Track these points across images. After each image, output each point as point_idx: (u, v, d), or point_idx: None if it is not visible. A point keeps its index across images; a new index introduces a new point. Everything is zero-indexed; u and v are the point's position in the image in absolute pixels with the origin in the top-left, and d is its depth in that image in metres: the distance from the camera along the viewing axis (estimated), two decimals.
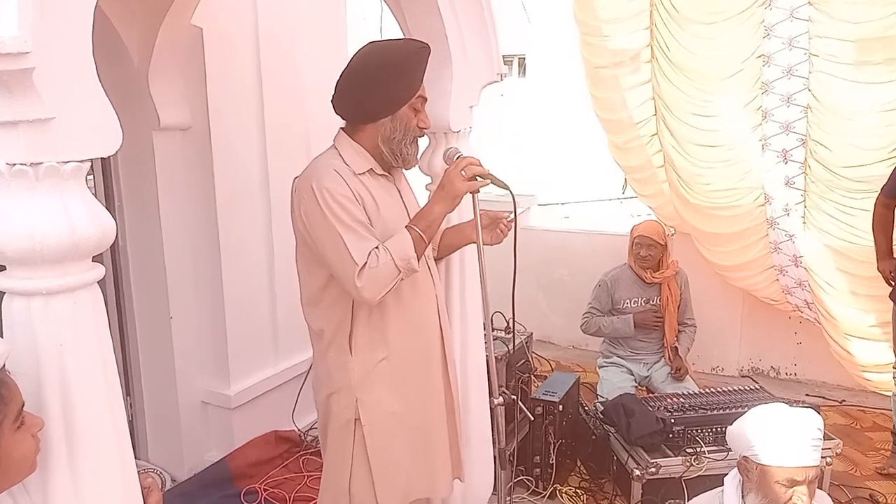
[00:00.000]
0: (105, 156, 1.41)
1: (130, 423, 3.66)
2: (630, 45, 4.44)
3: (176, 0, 3.06)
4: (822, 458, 3.25)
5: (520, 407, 2.70)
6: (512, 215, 2.26)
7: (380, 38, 2.15)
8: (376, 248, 1.94)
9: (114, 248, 3.48)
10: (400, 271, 1.96)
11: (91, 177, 3.55)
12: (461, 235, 2.39)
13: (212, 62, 3.33)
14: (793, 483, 1.93)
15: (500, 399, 2.22)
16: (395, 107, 2.06)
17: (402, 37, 2.47)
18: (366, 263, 1.91)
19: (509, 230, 2.33)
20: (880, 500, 3.39)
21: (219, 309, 3.56)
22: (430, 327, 2.21)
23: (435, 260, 2.37)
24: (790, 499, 1.93)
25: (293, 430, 3.85)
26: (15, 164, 1.30)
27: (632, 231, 4.27)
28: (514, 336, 2.75)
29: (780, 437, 1.97)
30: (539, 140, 14.78)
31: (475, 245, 2.20)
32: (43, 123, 1.29)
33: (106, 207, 3.34)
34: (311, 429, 3.83)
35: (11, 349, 1.31)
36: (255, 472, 3.57)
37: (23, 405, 1.30)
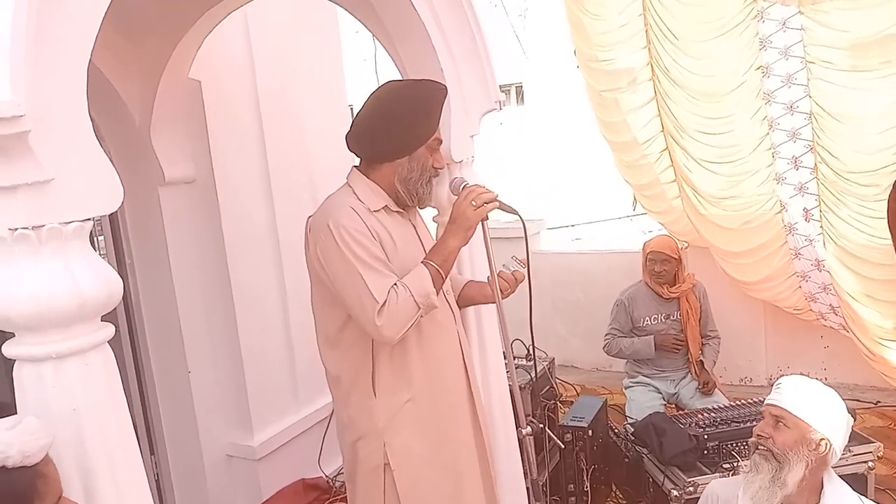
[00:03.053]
0: (107, 213, 1.40)
1: (157, 481, 3.63)
2: (630, 66, 4.44)
3: (173, 55, 3.09)
4: (864, 462, 3.21)
5: (548, 435, 2.63)
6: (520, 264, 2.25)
7: (394, 79, 2.14)
8: (395, 284, 1.91)
9: (127, 305, 3.49)
10: (420, 307, 1.92)
11: (101, 237, 3.58)
12: (482, 294, 2.35)
13: (212, 114, 3.35)
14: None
15: (528, 429, 2.17)
16: (413, 147, 2.05)
17: (419, 78, 2.46)
18: (386, 301, 1.88)
19: (515, 286, 2.27)
20: None
21: (236, 359, 3.53)
22: (453, 364, 2.17)
23: None
24: None
25: (321, 477, 3.79)
26: (17, 229, 1.29)
27: (644, 247, 4.22)
28: (535, 363, 2.70)
29: None
30: (543, 165, 14.83)
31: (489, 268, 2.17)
32: (42, 185, 1.28)
33: (117, 266, 3.42)
34: (338, 474, 3.77)
35: (54, 439, 1.28)
36: None
37: (60, 496, 1.28)
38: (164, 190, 3.30)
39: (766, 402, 2.12)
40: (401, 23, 2.45)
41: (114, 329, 1.45)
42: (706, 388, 4.05)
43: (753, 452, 2.09)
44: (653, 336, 4.09)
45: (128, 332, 3.50)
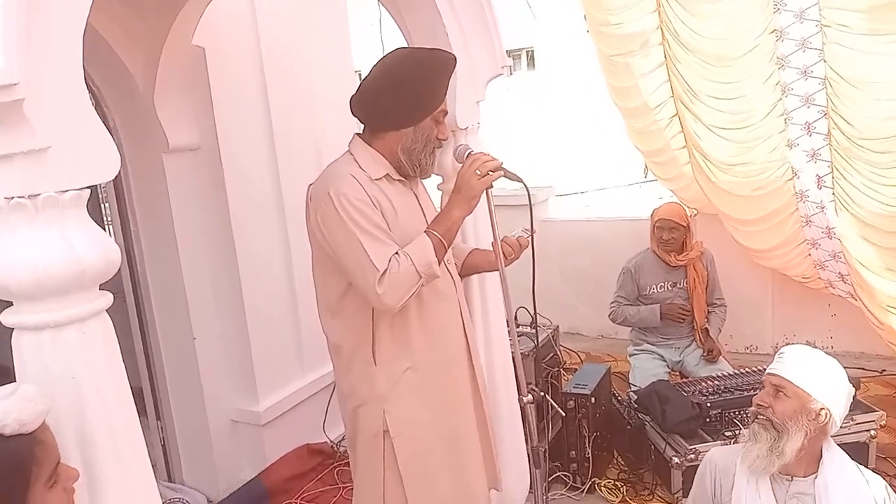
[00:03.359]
0: (104, 181, 1.39)
1: (163, 446, 3.68)
2: (640, 30, 4.36)
3: (175, 21, 3.05)
4: (866, 430, 3.22)
5: (549, 403, 2.64)
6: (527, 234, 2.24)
7: (404, 47, 2.11)
8: (396, 253, 1.90)
9: (133, 273, 3.50)
10: (421, 276, 1.91)
11: (107, 204, 3.58)
12: (487, 261, 2.34)
13: (216, 81, 3.32)
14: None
15: (530, 397, 2.18)
16: (419, 118, 2.02)
17: (428, 47, 2.42)
18: (387, 269, 1.87)
19: (520, 252, 2.28)
20: None
21: (241, 326, 3.55)
22: (454, 333, 2.16)
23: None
24: None
25: (325, 442, 3.83)
26: (13, 198, 1.29)
27: (652, 215, 4.20)
28: (536, 331, 2.70)
29: None
30: (553, 131, 14.72)
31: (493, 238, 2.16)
32: (38, 154, 1.27)
33: (122, 233, 3.43)
34: (342, 439, 3.81)
35: (51, 405, 1.29)
36: (290, 487, 3.55)
37: (58, 462, 1.28)
38: (168, 157, 3.28)
39: (767, 371, 2.12)
40: None
41: (112, 297, 1.45)
42: (710, 355, 4.06)
43: (753, 421, 2.10)
44: (659, 305, 4.08)
45: (133, 299, 3.52)
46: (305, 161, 3.76)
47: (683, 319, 4.09)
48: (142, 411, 3.75)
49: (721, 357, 4.10)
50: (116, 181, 3.43)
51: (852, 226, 3.97)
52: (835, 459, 2.07)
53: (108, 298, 1.44)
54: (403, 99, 1.99)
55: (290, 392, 3.75)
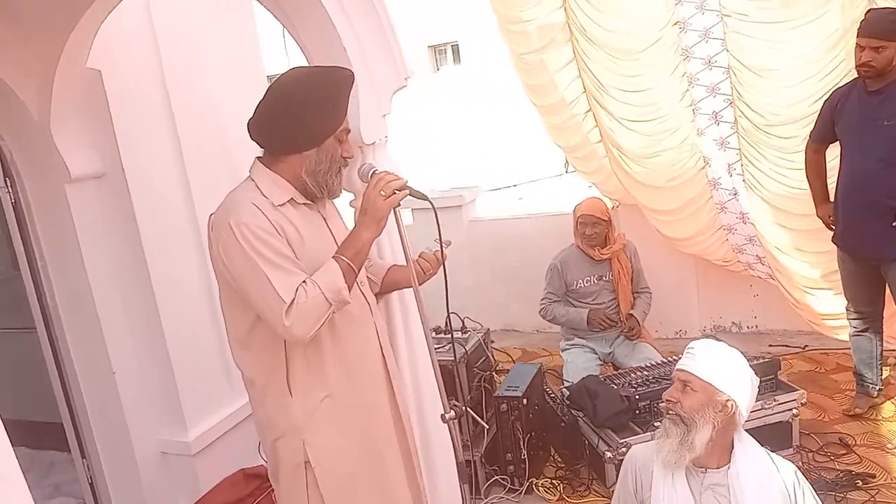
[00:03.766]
0: None
1: (91, 485, 3.56)
2: (548, 26, 4.39)
3: (66, 45, 2.92)
4: (789, 410, 3.32)
5: (475, 414, 2.63)
6: (439, 250, 2.21)
7: (297, 67, 2.04)
8: (304, 282, 1.85)
9: (43, 307, 3.36)
10: (331, 304, 1.87)
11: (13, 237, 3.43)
12: (406, 277, 2.27)
13: (116, 103, 3.18)
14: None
15: (452, 413, 2.16)
16: (321, 138, 1.96)
17: (324, 65, 2.36)
18: (293, 300, 1.81)
19: (438, 266, 2.25)
20: (850, 442, 3.41)
21: (163, 355, 3.43)
22: (370, 357, 2.13)
23: (376, 296, 2.28)
24: None
25: (261, 465, 3.73)
26: None
27: (574, 211, 4.24)
28: (453, 343, 2.68)
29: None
30: (480, 124, 14.75)
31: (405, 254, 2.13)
32: None
33: (28, 266, 3.28)
34: None
35: None
36: None
37: None
38: (71, 187, 3.16)
39: (676, 367, 2.17)
40: (300, 5, 2.36)
41: None
42: (630, 332, 4.13)
43: (665, 418, 2.14)
44: (587, 311, 4.14)
45: (46, 334, 3.39)
46: (218, 178, 3.63)
47: (608, 327, 4.15)
48: (65, 448, 3.66)
49: (649, 344, 4.18)
50: (19, 214, 3.29)
51: (764, 210, 4.09)
52: (746, 450, 2.12)
53: None
54: (302, 121, 1.93)
55: (221, 418, 3.65)
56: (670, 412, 2.12)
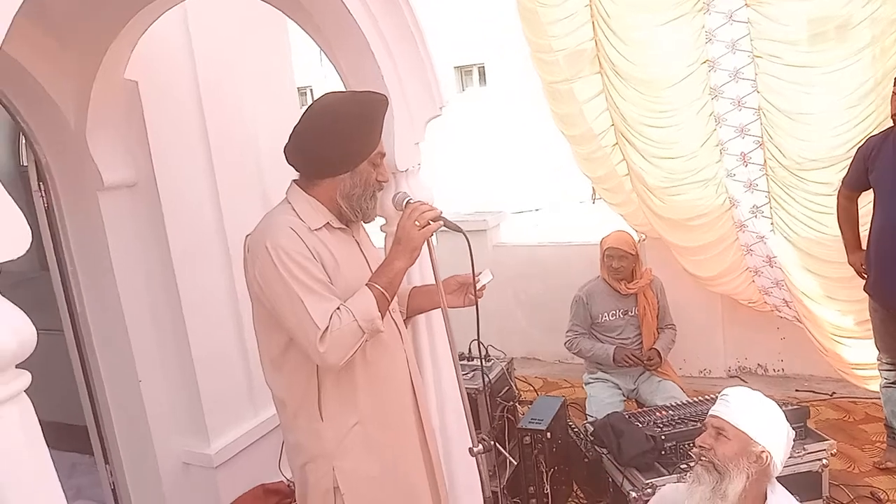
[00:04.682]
0: (12, 258, 1.28)
1: (113, 491, 3.54)
2: (579, 57, 4.37)
3: (106, 55, 2.93)
4: (818, 460, 3.23)
5: (502, 448, 2.59)
6: (480, 280, 2.18)
7: (332, 92, 2.04)
8: (338, 308, 1.83)
9: (72, 313, 3.37)
10: (364, 332, 1.85)
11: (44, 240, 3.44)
12: (430, 300, 2.28)
13: (151, 115, 3.20)
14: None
15: (480, 447, 2.12)
16: (355, 163, 1.96)
17: (360, 90, 2.35)
18: (328, 327, 1.80)
19: (481, 296, 2.21)
20: (882, 496, 3.32)
21: (188, 366, 3.42)
22: (400, 386, 2.11)
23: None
24: None
25: (281, 481, 3.71)
26: None
27: (601, 243, 4.19)
28: (482, 367, 2.63)
29: None
30: (505, 147, 14.76)
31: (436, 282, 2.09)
32: None
33: (59, 272, 3.28)
34: None
35: None
36: None
37: None
38: (103, 195, 3.16)
39: (709, 413, 2.12)
40: (338, 29, 2.35)
41: (30, 377, 1.35)
42: (650, 363, 4.05)
43: (696, 463, 2.08)
44: (614, 348, 4.07)
45: (74, 341, 3.39)
46: (249, 192, 3.66)
47: (634, 365, 4.08)
48: (87, 450, 3.64)
49: (674, 382, 4.10)
50: (51, 218, 3.30)
51: (793, 255, 4.02)
52: (779, 501, 2.06)
53: (24, 379, 1.34)
54: (337, 145, 1.93)
55: (243, 432, 3.63)
56: (703, 458, 2.07)
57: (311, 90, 17.94)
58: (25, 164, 3.44)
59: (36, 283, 3.99)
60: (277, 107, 3.91)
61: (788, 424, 2.09)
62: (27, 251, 1.29)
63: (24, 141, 3.26)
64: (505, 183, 12.32)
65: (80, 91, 3.00)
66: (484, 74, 19.38)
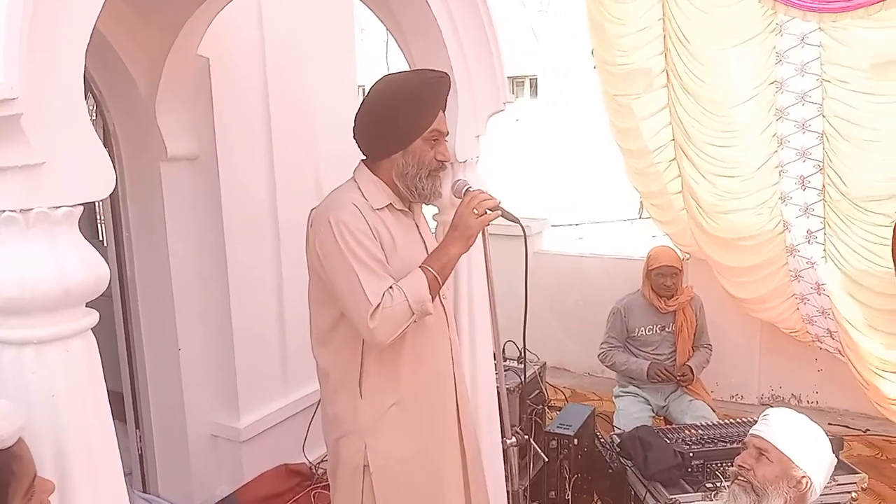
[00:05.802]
0: (97, 199, 1.36)
1: (141, 455, 3.64)
2: (646, 70, 4.38)
3: (182, 31, 3.04)
4: (848, 492, 3.19)
5: (533, 446, 2.61)
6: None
7: (395, 72, 2.08)
8: (391, 287, 1.87)
9: (122, 276, 3.48)
10: (413, 313, 1.89)
11: (101, 205, 3.55)
12: None
13: (219, 92, 3.31)
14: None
15: (514, 439, 2.15)
16: (406, 141, 1.97)
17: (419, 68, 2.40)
18: (380, 304, 1.84)
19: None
20: None
21: (227, 339, 3.51)
22: (443, 372, 2.13)
23: None
24: None
25: (304, 464, 3.78)
26: (4, 212, 1.26)
27: (648, 259, 4.15)
28: (525, 367, 2.67)
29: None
30: (553, 159, 14.74)
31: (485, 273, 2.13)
32: (33, 169, 1.26)
33: (114, 236, 3.39)
34: (321, 461, 3.76)
35: (27, 420, 1.26)
36: None
37: (35, 476, 1.25)
38: (165, 165, 3.27)
39: (751, 432, 2.10)
40: (414, 18, 2.40)
41: (97, 316, 1.43)
42: (683, 378, 4.02)
43: (733, 482, 2.07)
44: (649, 364, 4.05)
45: (120, 302, 3.50)
46: (303, 176, 3.75)
47: (667, 380, 4.07)
48: (120, 417, 3.74)
49: (705, 403, 4.07)
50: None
51: (842, 284, 3.97)
52: None
53: (93, 317, 1.42)
54: (386, 124, 1.96)
55: (273, 410, 3.71)
56: (740, 478, 2.05)
57: None
58: None
59: None
60: (339, 98, 4.00)
61: (833, 453, 2.07)
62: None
63: (94, 106, 3.37)
64: (549, 195, 12.31)
65: (154, 63, 3.11)
66: (535, 87, 19.38)
